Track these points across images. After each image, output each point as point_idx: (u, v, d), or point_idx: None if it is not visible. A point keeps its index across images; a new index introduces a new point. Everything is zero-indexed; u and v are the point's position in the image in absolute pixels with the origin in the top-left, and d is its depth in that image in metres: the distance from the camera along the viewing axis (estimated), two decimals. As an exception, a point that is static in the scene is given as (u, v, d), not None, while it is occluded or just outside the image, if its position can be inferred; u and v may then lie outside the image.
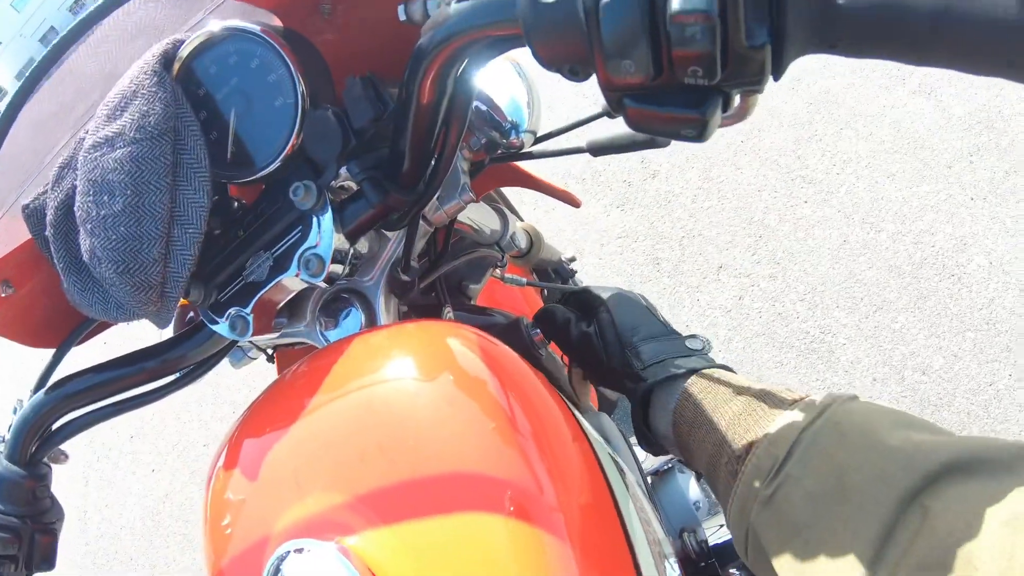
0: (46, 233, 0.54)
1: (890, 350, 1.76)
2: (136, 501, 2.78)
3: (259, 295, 0.52)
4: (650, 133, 0.35)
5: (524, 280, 0.93)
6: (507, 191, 1.01)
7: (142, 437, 3.12)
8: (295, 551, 0.40)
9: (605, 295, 0.70)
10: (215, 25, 0.50)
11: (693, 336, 0.63)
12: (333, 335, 0.59)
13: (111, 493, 2.91)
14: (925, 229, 1.90)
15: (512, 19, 0.35)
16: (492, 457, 0.41)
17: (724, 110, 0.32)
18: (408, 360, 0.47)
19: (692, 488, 1.00)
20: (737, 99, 0.32)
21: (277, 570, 0.39)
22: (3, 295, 0.61)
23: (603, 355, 0.65)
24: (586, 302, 0.72)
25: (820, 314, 1.89)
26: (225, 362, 0.66)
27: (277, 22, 0.53)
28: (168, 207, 0.48)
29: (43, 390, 0.59)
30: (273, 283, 0.52)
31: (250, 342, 0.67)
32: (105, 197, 0.48)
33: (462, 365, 0.47)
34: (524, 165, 0.88)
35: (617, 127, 0.59)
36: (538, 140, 0.70)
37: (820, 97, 2.30)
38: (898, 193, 2.00)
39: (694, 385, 0.57)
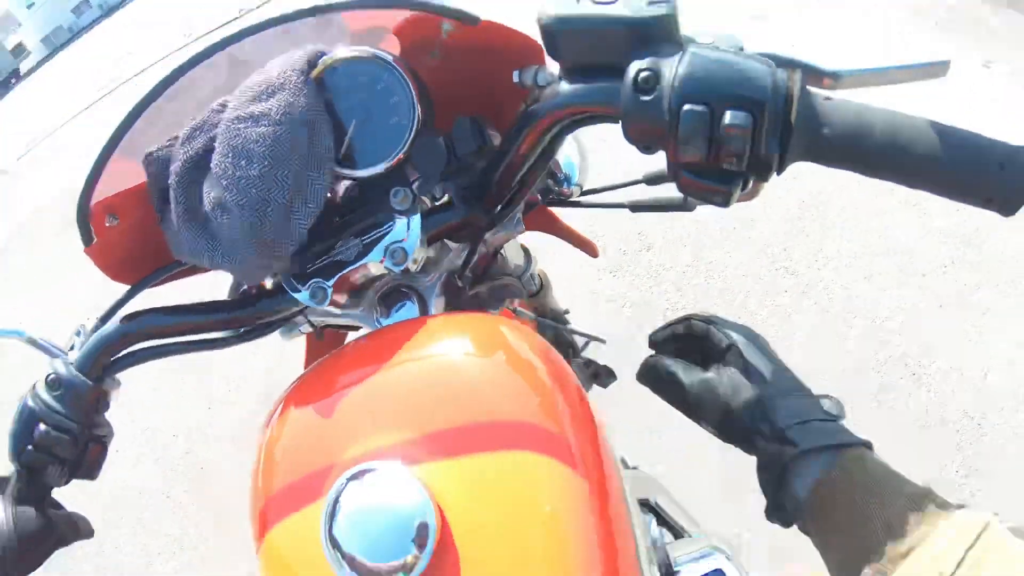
0: (169, 181, 0.62)
1: (847, 436, 1.87)
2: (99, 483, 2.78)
3: (343, 272, 0.61)
4: (692, 197, 0.48)
5: (533, 315, 1.02)
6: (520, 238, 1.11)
7: (110, 417, 3.13)
8: (361, 472, 0.47)
9: (733, 334, 0.63)
10: (355, 47, 0.61)
11: (827, 397, 0.58)
12: (385, 322, 0.67)
13: None
14: (893, 329, 2.04)
15: (615, 105, 0.47)
16: (538, 417, 0.51)
17: (743, 189, 0.46)
18: (474, 335, 0.57)
19: (652, 528, 1.07)
20: (751, 183, 0.46)
21: (341, 490, 0.46)
22: (108, 224, 0.68)
23: (732, 407, 0.59)
24: (706, 340, 0.64)
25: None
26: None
27: (397, 49, 0.63)
28: (294, 183, 0.58)
29: (120, 317, 0.65)
30: (359, 264, 0.61)
31: (307, 317, 0.74)
32: (243, 162, 0.57)
33: (516, 346, 0.57)
34: (557, 213, 0.98)
35: (652, 192, 0.71)
36: (583, 193, 0.81)
37: (814, 197, 2.46)
38: (872, 294, 2.15)
39: (843, 465, 0.52)
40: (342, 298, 0.65)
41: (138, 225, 0.69)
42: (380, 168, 0.61)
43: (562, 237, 0.97)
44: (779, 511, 0.57)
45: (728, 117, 0.41)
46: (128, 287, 0.72)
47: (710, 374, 0.61)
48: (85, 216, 0.66)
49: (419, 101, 0.60)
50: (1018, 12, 3.20)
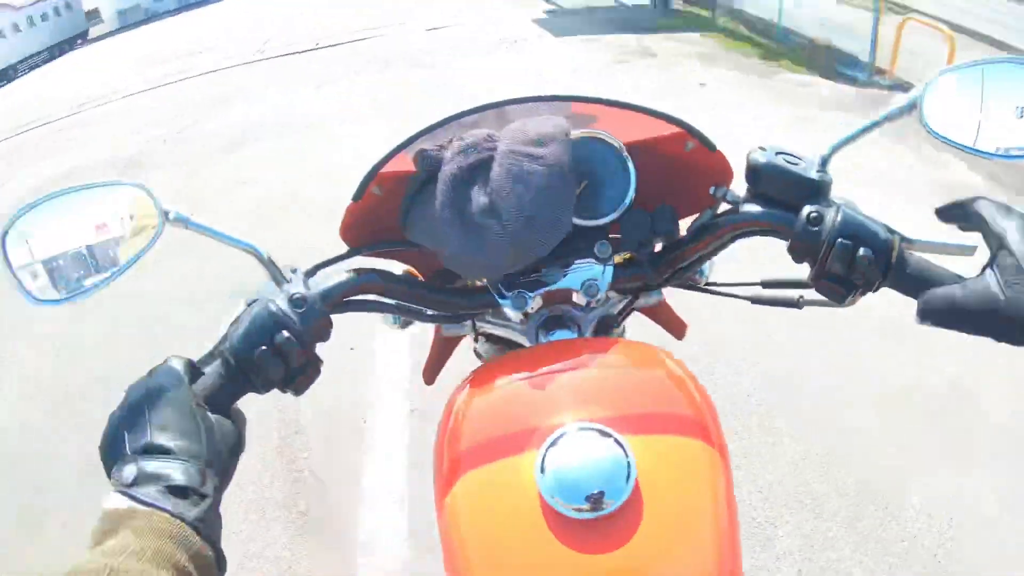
0: (441, 179, 0.75)
1: (819, 552, 2.06)
2: (82, 447, 2.79)
3: (544, 289, 0.77)
4: (825, 295, 0.69)
5: None
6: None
7: (106, 382, 3.18)
8: (570, 432, 0.59)
9: (1007, 225, 0.60)
10: (602, 131, 0.79)
11: None
12: (544, 340, 0.81)
13: (60, 432, 3.00)
14: (868, 474, 2.26)
15: (787, 227, 0.69)
16: (703, 417, 0.67)
17: (853, 296, 0.68)
18: (646, 351, 0.74)
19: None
20: (858, 294, 0.67)
21: (552, 443, 0.59)
22: (373, 192, 0.82)
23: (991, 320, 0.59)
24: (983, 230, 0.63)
25: (768, 507, 2.21)
26: None
27: (623, 138, 0.80)
28: (551, 212, 0.73)
29: (354, 268, 0.76)
30: (558, 286, 0.77)
31: (475, 322, 0.86)
32: (519, 186, 0.72)
33: (676, 365, 0.73)
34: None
35: (776, 294, 0.89)
36: (708, 284, 0.97)
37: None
38: (860, 444, 2.40)
39: None
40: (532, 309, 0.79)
41: (387, 203, 0.82)
42: (599, 222, 0.79)
43: (654, 314, 1.08)
44: None
45: (862, 251, 0.64)
46: (347, 248, 0.86)
47: (971, 279, 0.61)
48: (369, 179, 0.81)
49: (637, 185, 0.79)
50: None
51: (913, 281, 0.65)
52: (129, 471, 0.55)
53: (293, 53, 11.01)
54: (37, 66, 18.59)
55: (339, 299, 0.74)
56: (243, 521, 2.37)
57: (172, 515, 0.52)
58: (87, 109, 10.27)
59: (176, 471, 0.55)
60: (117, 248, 0.70)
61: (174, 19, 20.57)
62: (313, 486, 2.45)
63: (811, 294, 0.77)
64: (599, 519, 0.57)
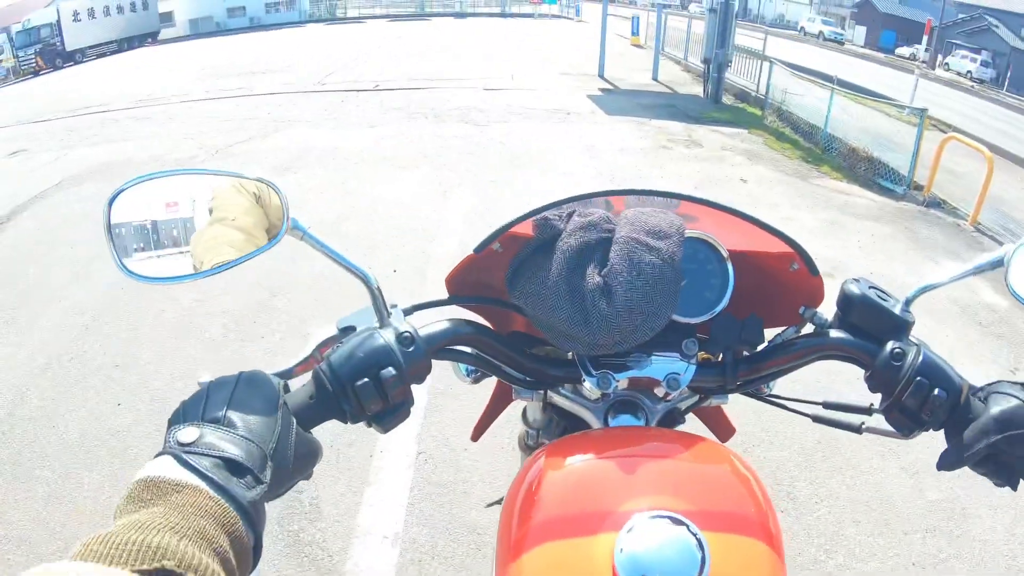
0: (559, 249, 0.78)
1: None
2: (84, 424, 2.96)
3: (630, 374, 0.78)
4: (894, 425, 0.72)
5: None
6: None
7: (124, 368, 3.33)
8: (650, 518, 0.59)
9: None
10: (709, 235, 0.81)
11: None
12: (613, 422, 0.82)
13: (66, 405, 3.10)
14: (870, 572, 2.27)
15: (869, 357, 0.73)
16: (768, 515, 0.66)
17: (916, 431, 0.71)
18: (712, 446, 0.73)
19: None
20: (921, 429, 0.70)
21: (632, 528, 0.58)
22: (495, 248, 0.83)
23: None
24: None
25: None
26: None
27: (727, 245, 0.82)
28: (660, 302, 0.75)
29: (456, 320, 0.77)
30: (643, 374, 0.78)
31: (548, 392, 0.87)
32: (635, 273, 0.75)
33: (742, 462, 0.72)
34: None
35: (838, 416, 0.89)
36: (772, 395, 0.95)
37: (829, 442, 2.76)
38: (857, 537, 2.40)
39: None
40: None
41: (500, 260, 0.84)
42: (692, 321, 0.81)
43: (704, 414, 1.07)
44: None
45: (936, 391, 0.68)
46: (448, 295, 0.87)
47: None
48: (495, 236, 0.82)
49: (734, 288, 0.81)
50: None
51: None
52: (189, 433, 0.52)
53: (352, 91, 11.36)
54: (104, 55, 19.07)
55: (442, 345, 0.75)
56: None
57: (220, 493, 0.49)
58: (145, 106, 10.63)
59: (238, 446, 0.53)
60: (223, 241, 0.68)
61: (242, 37, 21.28)
62: (309, 512, 2.45)
63: (871, 422, 0.81)
64: None
